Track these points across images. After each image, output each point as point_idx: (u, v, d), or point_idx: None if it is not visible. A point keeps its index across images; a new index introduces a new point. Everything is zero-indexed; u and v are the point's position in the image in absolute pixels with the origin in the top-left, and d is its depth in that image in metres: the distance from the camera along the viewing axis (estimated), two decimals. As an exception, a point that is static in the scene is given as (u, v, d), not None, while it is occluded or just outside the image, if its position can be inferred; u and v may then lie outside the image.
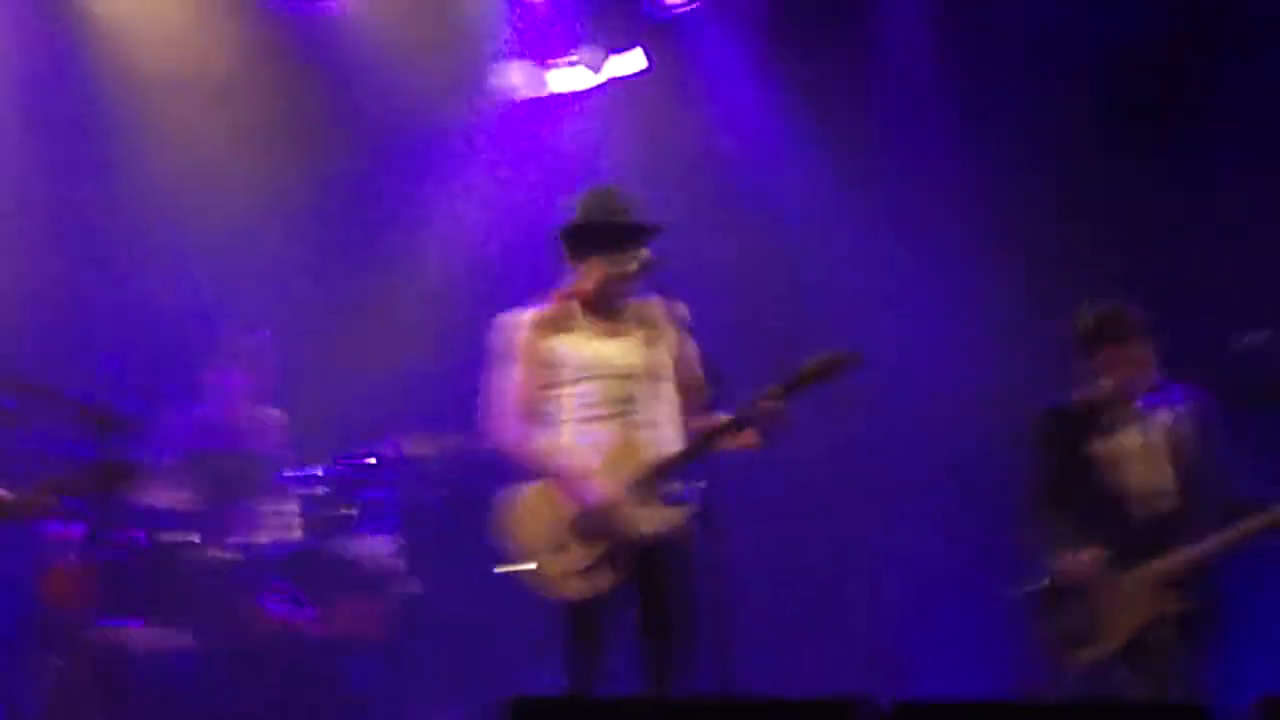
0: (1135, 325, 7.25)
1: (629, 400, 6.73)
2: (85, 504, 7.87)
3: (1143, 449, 7.26)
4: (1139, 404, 7.29)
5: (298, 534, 9.07)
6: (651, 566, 6.66)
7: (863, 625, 9.48)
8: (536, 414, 6.76)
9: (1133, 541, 7.15)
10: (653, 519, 6.64)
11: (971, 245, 9.51)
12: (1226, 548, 7.06)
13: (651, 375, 6.78)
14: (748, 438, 6.69)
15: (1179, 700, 6.94)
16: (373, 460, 9.05)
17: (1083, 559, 7.14)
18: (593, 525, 6.60)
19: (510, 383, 6.78)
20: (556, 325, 6.80)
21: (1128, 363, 7.23)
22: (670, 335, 6.86)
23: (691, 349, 6.88)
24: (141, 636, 8.42)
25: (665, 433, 6.78)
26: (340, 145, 10.33)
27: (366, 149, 10.39)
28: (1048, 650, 7.26)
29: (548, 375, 6.76)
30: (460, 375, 9.71)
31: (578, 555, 6.60)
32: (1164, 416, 7.29)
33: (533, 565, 6.62)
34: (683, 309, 6.83)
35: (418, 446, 9.34)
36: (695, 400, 6.87)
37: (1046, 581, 7.26)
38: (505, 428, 6.75)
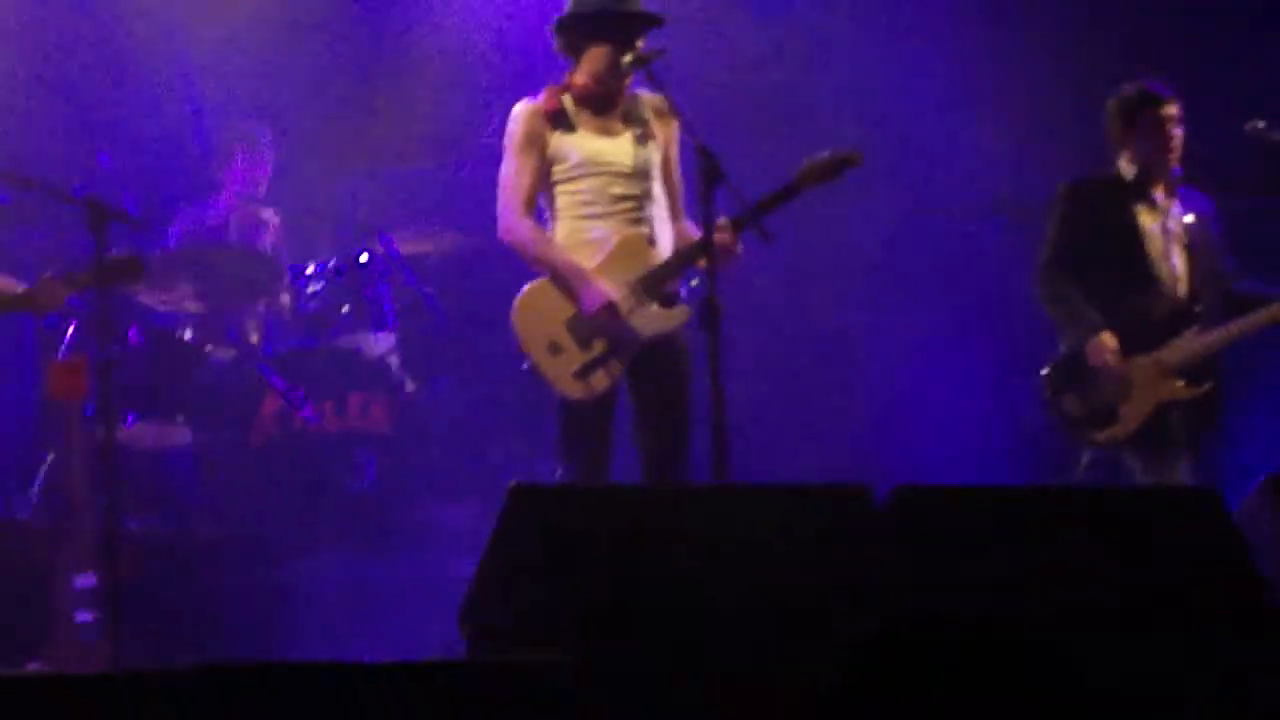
0: (1161, 107, 7.31)
1: (626, 199, 6.71)
2: (86, 299, 7.87)
3: (1161, 234, 7.34)
4: (1160, 191, 7.38)
5: (295, 331, 9.07)
6: (649, 367, 6.67)
7: (864, 422, 9.49)
8: (536, 208, 6.75)
9: (1146, 325, 7.26)
10: (652, 320, 6.64)
11: (979, 39, 9.40)
12: (1233, 338, 7.23)
13: (645, 174, 6.75)
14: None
15: (1188, 485, 7.07)
16: (366, 258, 9.00)
17: (1101, 341, 7.20)
18: (591, 325, 6.59)
19: (512, 174, 6.74)
20: (553, 119, 6.74)
21: (1154, 144, 7.31)
22: (660, 133, 6.82)
23: (676, 148, 6.84)
24: (140, 433, 8.43)
25: (661, 231, 6.77)
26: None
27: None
28: (1063, 430, 7.38)
29: (546, 169, 6.73)
30: (459, 172, 9.71)
31: (575, 355, 6.60)
32: (1180, 209, 7.39)
33: (532, 363, 6.63)
34: (667, 103, 6.74)
35: (414, 244, 9.31)
36: (675, 203, 6.85)
37: (1061, 360, 7.37)
38: (507, 219, 6.73)
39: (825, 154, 6.59)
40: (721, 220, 6.43)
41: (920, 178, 9.41)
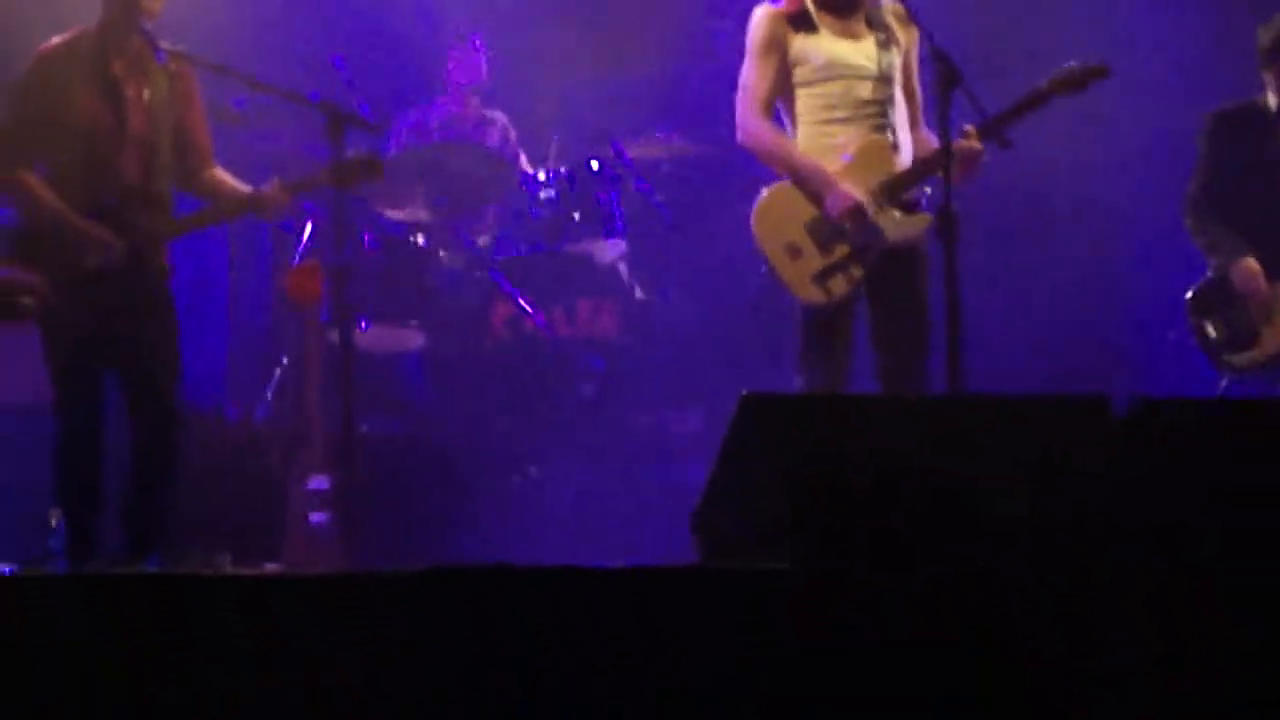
0: None
1: (870, 104, 6.60)
2: (321, 204, 7.93)
3: None
4: None
5: (527, 237, 9.08)
6: (889, 275, 6.58)
7: (1101, 331, 9.32)
8: (775, 113, 6.66)
9: None
10: (894, 226, 6.55)
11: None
12: None
13: (888, 79, 6.63)
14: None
15: None
16: (597, 165, 8.98)
17: (1246, 264, 7.32)
18: (833, 229, 6.51)
19: (752, 78, 6.66)
20: (795, 22, 6.64)
21: None
22: (902, 39, 6.70)
23: (916, 55, 6.74)
24: (373, 338, 8.50)
25: (903, 138, 6.66)
26: None
27: None
28: (1204, 352, 7.48)
29: (787, 73, 6.64)
30: (689, 78, 9.64)
31: (815, 259, 6.53)
32: None
33: (770, 266, 6.57)
34: (906, 9, 6.63)
35: (645, 151, 9.28)
36: (915, 111, 6.75)
37: (1205, 284, 7.48)
38: (747, 122, 6.65)
39: (1074, 64, 6.51)
40: (968, 127, 6.40)
41: (1154, 95, 9.16)
